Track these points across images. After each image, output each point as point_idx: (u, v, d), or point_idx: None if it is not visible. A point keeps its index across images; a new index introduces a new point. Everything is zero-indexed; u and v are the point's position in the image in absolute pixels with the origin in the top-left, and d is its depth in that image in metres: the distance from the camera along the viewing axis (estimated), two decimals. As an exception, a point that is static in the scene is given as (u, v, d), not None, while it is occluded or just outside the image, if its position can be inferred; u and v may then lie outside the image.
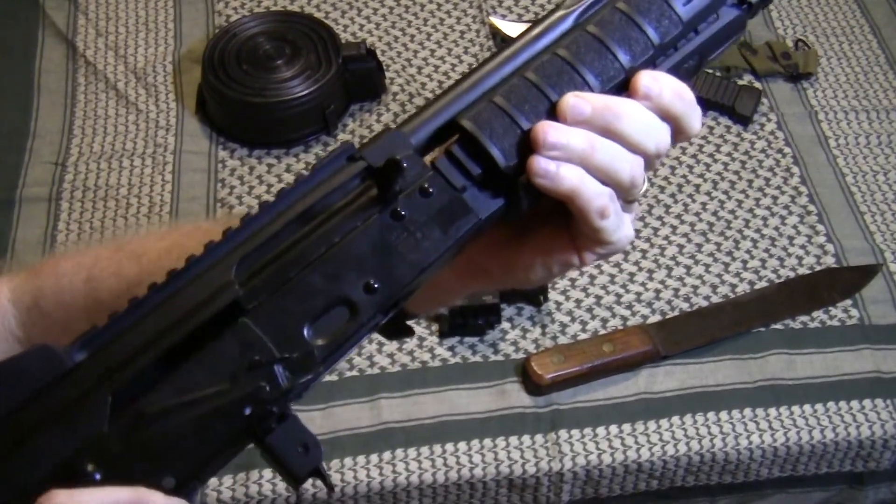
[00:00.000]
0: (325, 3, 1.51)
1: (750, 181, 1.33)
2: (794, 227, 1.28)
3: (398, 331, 0.55)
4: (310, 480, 0.46)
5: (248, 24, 1.38)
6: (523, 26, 0.53)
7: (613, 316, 1.19)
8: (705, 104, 1.39)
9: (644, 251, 1.25)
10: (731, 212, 1.30)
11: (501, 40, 1.44)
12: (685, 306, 1.20)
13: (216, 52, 1.34)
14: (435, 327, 1.17)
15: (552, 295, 1.20)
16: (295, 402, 0.47)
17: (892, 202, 1.32)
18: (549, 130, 0.49)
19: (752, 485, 1.17)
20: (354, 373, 1.14)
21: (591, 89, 0.51)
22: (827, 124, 1.40)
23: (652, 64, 0.52)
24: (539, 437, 1.10)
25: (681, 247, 1.26)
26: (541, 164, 0.48)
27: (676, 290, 1.22)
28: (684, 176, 1.33)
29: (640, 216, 1.28)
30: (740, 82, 1.41)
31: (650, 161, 0.51)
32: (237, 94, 1.31)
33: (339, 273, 0.47)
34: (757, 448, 1.11)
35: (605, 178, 0.50)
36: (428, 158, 0.50)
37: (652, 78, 0.51)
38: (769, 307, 1.20)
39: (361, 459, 1.07)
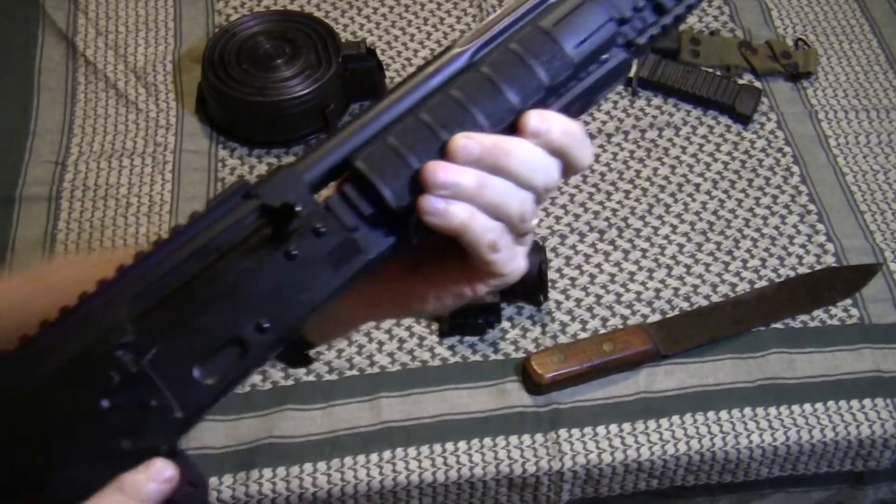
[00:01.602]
0: (325, 2, 1.51)
1: (750, 180, 1.33)
2: (795, 226, 1.28)
3: (299, 360, 0.56)
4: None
5: (248, 23, 1.38)
6: None
7: (613, 315, 1.19)
8: (705, 103, 1.39)
9: (644, 250, 1.25)
10: (731, 211, 1.30)
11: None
12: (685, 305, 1.21)
13: (216, 51, 1.34)
14: (435, 327, 1.17)
15: (552, 294, 1.20)
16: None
17: (893, 201, 1.32)
18: (438, 171, 0.49)
19: (752, 484, 1.17)
20: (354, 372, 1.14)
21: (482, 129, 0.51)
22: (827, 123, 1.40)
23: (542, 104, 0.52)
24: (539, 437, 1.10)
25: (681, 246, 1.26)
26: (430, 203, 0.49)
27: (676, 289, 1.22)
28: (684, 175, 1.33)
29: (641, 216, 1.28)
30: (740, 81, 1.41)
31: (540, 195, 0.52)
32: (237, 93, 1.31)
33: (231, 313, 0.48)
34: (757, 447, 1.11)
35: (496, 214, 0.51)
36: (324, 194, 0.51)
37: (539, 117, 0.51)
38: (769, 306, 1.20)
39: (361, 459, 1.07)
